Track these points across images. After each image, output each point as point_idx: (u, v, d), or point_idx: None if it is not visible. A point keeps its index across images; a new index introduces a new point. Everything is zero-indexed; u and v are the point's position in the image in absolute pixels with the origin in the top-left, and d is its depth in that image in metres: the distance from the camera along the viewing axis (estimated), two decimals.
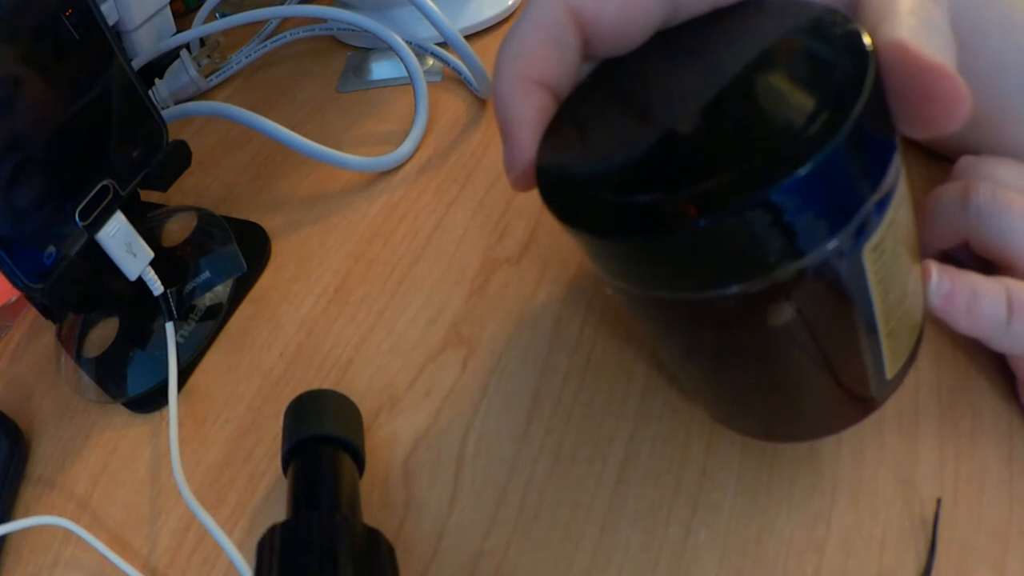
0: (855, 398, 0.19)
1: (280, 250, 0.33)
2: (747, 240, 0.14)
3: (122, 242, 0.26)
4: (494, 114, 0.20)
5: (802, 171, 0.13)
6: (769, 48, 0.16)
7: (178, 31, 0.41)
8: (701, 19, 0.19)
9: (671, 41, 0.19)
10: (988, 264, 0.24)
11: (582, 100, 0.19)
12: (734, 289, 0.15)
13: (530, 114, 0.19)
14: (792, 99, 0.14)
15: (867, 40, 0.15)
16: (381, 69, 0.41)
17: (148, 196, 0.31)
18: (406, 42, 0.36)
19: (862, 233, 0.15)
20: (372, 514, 0.24)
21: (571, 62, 0.19)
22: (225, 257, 0.31)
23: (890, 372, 0.19)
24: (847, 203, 0.14)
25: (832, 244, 0.15)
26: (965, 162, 0.25)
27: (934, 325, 0.26)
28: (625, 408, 0.25)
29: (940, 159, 0.28)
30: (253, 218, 0.34)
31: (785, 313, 0.16)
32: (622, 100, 0.18)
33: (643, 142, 0.16)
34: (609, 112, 0.18)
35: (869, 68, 0.14)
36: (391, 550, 0.20)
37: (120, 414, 0.28)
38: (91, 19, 0.24)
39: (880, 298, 0.16)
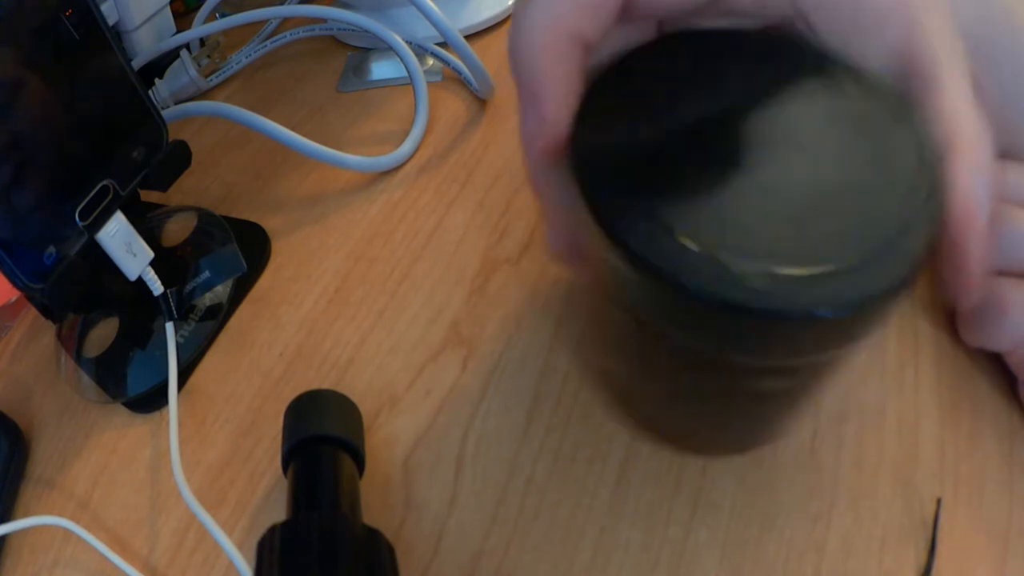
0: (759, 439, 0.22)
1: (280, 250, 0.33)
2: (827, 331, 0.14)
3: (122, 242, 0.26)
4: (514, 71, 0.17)
5: (895, 287, 0.14)
6: (853, 131, 0.16)
7: (178, 31, 0.41)
8: (771, 62, 0.17)
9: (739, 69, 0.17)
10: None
11: (622, 89, 0.17)
12: (784, 362, 0.16)
13: (566, 72, 0.17)
14: (876, 204, 0.15)
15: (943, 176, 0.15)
16: (381, 69, 0.41)
17: (148, 196, 0.31)
18: (406, 42, 0.36)
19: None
20: (372, 514, 0.24)
21: (607, 19, 0.17)
22: (225, 257, 0.31)
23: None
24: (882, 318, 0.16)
25: (852, 346, 0.16)
26: None
27: (934, 325, 0.26)
28: None
29: None
30: (253, 218, 0.34)
31: (786, 382, 0.17)
32: (685, 117, 0.17)
33: (726, 187, 0.15)
34: (665, 123, 0.16)
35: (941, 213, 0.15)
36: (391, 550, 0.20)
37: (120, 414, 0.28)
38: (91, 19, 0.24)
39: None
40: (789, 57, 0.17)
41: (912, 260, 0.14)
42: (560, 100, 0.16)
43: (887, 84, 0.17)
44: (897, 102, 0.16)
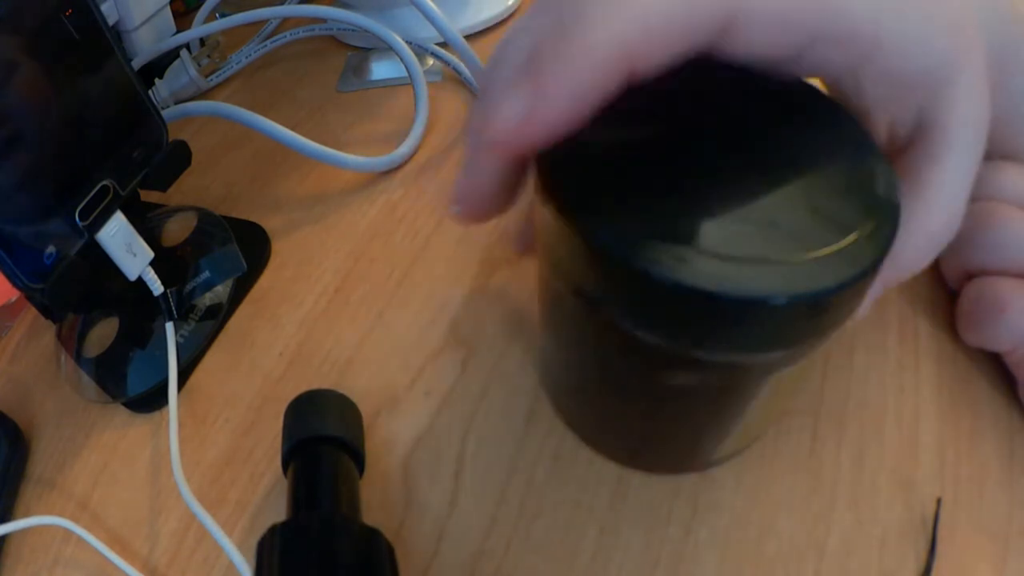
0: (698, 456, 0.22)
1: (280, 250, 0.33)
2: (746, 323, 0.15)
3: (122, 242, 0.26)
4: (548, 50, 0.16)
5: (828, 292, 0.14)
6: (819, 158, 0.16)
7: (178, 31, 0.41)
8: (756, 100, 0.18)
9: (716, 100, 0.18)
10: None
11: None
12: (699, 353, 0.16)
13: (597, 93, 0.16)
14: (834, 222, 0.15)
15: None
16: (381, 69, 0.41)
17: (148, 196, 0.31)
18: (406, 42, 0.36)
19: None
20: (372, 514, 0.24)
21: (671, 59, 0.17)
22: (225, 257, 0.31)
23: (720, 452, 0.21)
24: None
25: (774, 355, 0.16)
26: None
27: (934, 325, 0.26)
28: None
29: None
30: (253, 218, 0.34)
31: (697, 377, 0.17)
32: (655, 124, 0.17)
33: (679, 186, 0.16)
34: (636, 131, 0.17)
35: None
36: (391, 550, 0.20)
37: (120, 414, 0.28)
38: (91, 19, 0.24)
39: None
40: (778, 90, 0.18)
41: (855, 271, 0.14)
42: (569, 115, 0.15)
43: (861, 130, 0.17)
44: (865, 140, 0.17)
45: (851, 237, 0.15)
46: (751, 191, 0.15)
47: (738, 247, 0.14)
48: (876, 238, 0.15)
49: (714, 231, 0.15)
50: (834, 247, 0.14)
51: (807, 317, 0.15)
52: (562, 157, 0.16)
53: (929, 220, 0.19)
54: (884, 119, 0.19)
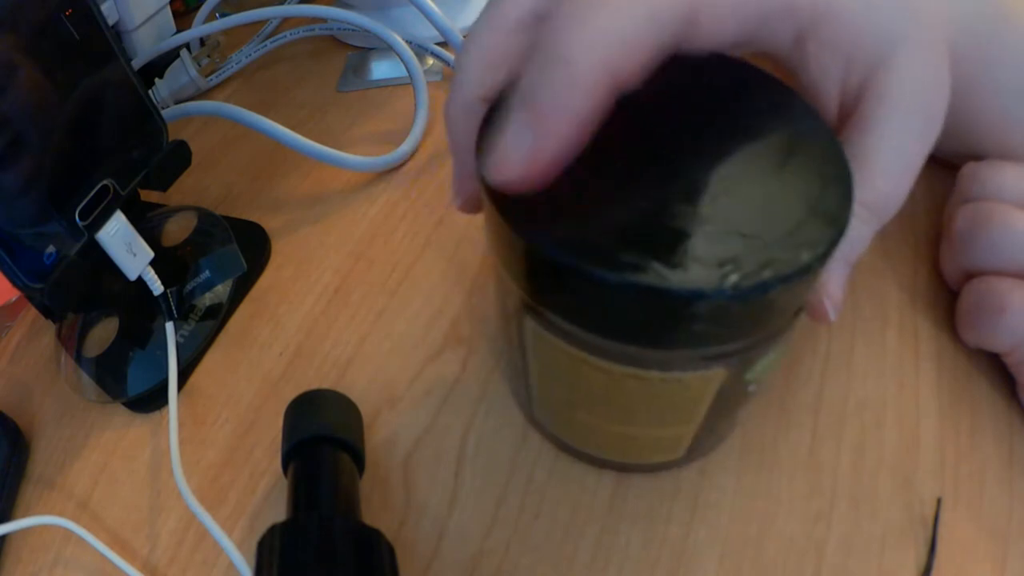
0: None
1: (280, 250, 0.33)
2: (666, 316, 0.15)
3: (122, 242, 0.26)
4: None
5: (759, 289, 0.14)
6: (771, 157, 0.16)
7: (178, 31, 0.41)
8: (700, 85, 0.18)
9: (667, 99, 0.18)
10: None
11: None
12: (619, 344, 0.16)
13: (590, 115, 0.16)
14: (781, 213, 0.15)
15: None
16: (381, 69, 0.41)
17: (148, 196, 0.31)
18: (406, 42, 0.36)
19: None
20: (372, 514, 0.24)
21: (648, 66, 0.17)
22: (225, 257, 0.31)
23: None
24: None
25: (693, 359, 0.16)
26: (968, 170, 0.25)
27: (934, 325, 0.26)
28: None
29: (945, 165, 0.28)
30: (253, 218, 0.34)
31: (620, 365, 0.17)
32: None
33: (625, 188, 0.16)
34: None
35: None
36: (391, 550, 0.20)
37: (120, 414, 0.28)
38: (91, 19, 0.24)
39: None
40: (728, 73, 0.18)
41: (797, 273, 0.14)
42: (571, 145, 0.16)
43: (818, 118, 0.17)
44: (815, 120, 0.17)
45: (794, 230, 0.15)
46: (696, 183, 0.16)
47: (680, 244, 0.14)
48: (822, 236, 0.15)
49: (653, 226, 0.15)
50: (779, 236, 0.15)
51: (794, 291, 0.15)
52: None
53: (866, 189, 0.18)
54: (834, 93, 0.19)
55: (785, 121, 0.17)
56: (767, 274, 0.14)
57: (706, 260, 0.14)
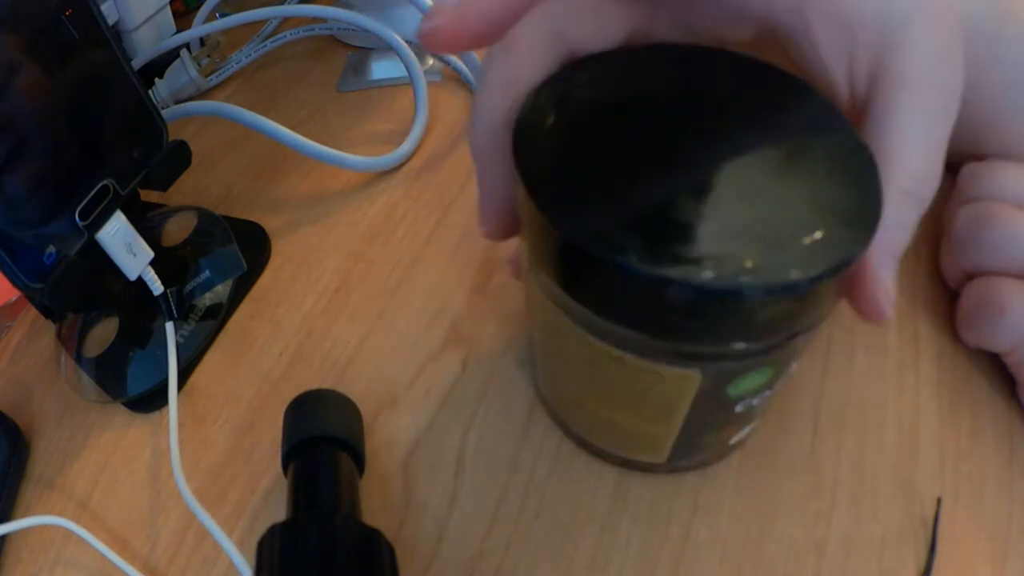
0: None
1: (280, 250, 0.33)
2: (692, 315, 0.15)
3: (122, 242, 0.26)
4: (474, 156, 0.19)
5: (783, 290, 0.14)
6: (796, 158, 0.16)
7: (178, 31, 0.41)
8: (727, 81, 0.18)
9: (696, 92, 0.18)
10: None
11: (576, 89, 0.18)
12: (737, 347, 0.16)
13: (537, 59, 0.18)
14: (805, 217, 0.15)
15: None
16: (381, 69, 0.41)
17: (148, 196, 0.31)
18: (406, 42, 0.36)
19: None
20: (372, 514, 0.24)
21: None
22: (225, 257, 0.31)
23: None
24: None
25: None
26: (968, 170, 0.25)
27: (934, 325, 0.26)
28: None
29: (945, 165, 0.28)
30: (253, 218, 0.34)
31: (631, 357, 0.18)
32: (632, 121, 0.18)
33: (654, 184, 0.16)
34: (612, 125, 0.17)
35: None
36: (391, 550, 0.20)
37: (120, 414, 0.28)
38: (91, 19, 0.24)
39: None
40: (747, 72, 0.18)
41: (818, 270, 0.14)
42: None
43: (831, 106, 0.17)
44: (835, 115, 0.17)
45: (820, 234, 0.15)
46: (723, 181, 0.16)
47: (709, 241, 0.14)
48: (852, 233, 0.15)
49: (685, 223, 0.15)
50: (810, 239, 0.14)
51: (781, 308, 0.15)
52: (541, 152, 0.17)
53: (900, 175, 0.18)
54: (842, 73, 0.19)
55: (805, 117, 0.17)
56: (745, 279, 0.14)
57: (687, 254, 0.14)
